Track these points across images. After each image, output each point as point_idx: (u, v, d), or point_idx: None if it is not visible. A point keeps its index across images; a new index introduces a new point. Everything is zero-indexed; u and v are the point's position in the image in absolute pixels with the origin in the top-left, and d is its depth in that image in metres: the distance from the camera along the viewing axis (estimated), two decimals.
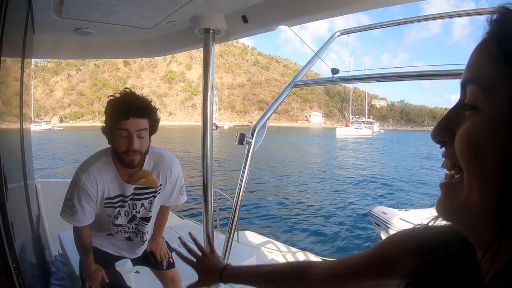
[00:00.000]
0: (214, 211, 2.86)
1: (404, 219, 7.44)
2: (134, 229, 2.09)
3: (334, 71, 2.72)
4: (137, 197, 1.95)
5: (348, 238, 9.19)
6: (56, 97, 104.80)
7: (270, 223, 11.00)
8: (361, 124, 59.20)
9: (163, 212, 2.25)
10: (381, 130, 70.77)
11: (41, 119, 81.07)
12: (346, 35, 3.06)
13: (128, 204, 1.95)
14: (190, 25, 2.67)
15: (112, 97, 1.81)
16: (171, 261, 2.34)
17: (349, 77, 2.82)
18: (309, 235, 9.67)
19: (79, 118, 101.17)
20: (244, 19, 2.52)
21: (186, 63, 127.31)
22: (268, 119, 3.00)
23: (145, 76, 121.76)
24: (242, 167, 2.83)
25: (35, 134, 44.96)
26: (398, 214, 7.69)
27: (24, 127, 2.30)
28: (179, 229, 4.27)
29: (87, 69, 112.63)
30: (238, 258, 3.52)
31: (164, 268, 2.27)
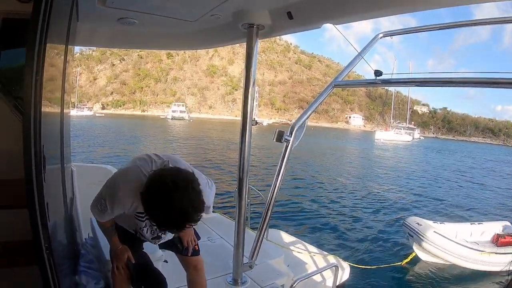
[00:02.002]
0: (246, 206, 2.87)
1: (439, 233, 7.21)
2: (155, 242, 2.19)
3: (377, 73, 2.64)
4: None
5: (379, 246, 8.99)
6: (100, 85, 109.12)
7: (301, 223, 10.91)
8: (401, 129, 57.30)
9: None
10: (422, 137, 68.22)
11: (83, 105, 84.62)
12: (390, 37, 2.99)
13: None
14: (234, 20, 2.68)
15: (158, 186, 1.59)
16: (196, 248, 2.35)
17: (391, 79, 2.74)
18: (339, 239, 9.54)
19: (120, 106, 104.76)
20: (289, 16, 2.50)
21: (229, 58, 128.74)
22: (307, 118, 2.97)
23: (187, 68, 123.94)
24: (278, 165, 2.82)
25: (77, 119, 47.02)
26: (432, 227, 7.48)
27: (64, 112, 2.39)
28: (209, 222, 4.29)
29: (130, 59, 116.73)
30: (266, 256, 3.53)
31: (189, 254, 2.29)
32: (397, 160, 30.91)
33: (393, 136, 53.36)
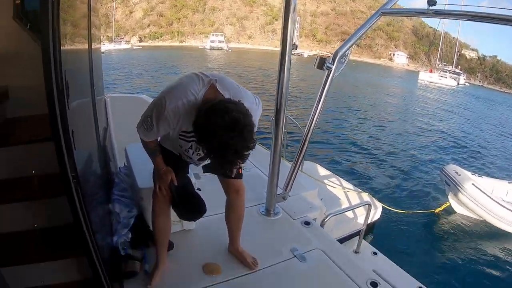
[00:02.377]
0: (283, 137, 2.80)
1: (476, 186, 6.82)
2: (199, 164, 2.11)
3: (431, 2, 2.39)
4: None
5: (413, 190, 8.74)
6: (136, 18, 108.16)
7: (337, 158, 10.77)
8: (446, 72, 53.82)
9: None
10: (467, 84, 63.96)
11: (121, 38, 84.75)
12: None
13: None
14: None
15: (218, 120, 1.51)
16: (240, 171, 2.29)
17: (444, 11, 2.48)
18: (374, 178, 9.38)
19: (158, 38, 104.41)
20: None
21: None
22: (351, 47, 2.77)
23: None
24: (318, 94, 2.70)
25: (115, 53, 47.43)
26: (471, 179, 7.05)
27: (92, 46, 2.33)
28: None
29: None
30: (301, 187, 3.50)
31: (233, 176, 2.18)
32: (439, 104, 29.19)
33: (437, 79, 50.31)
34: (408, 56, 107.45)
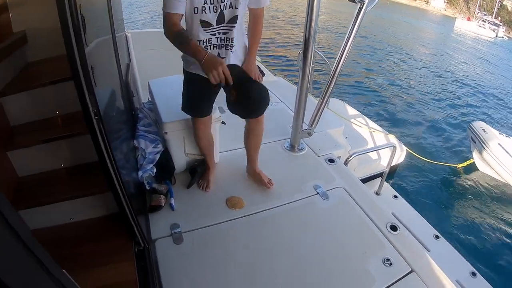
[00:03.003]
0: (310, 71, 2.71)
1: (503, 146, 6.41)
2: (222, 39, 2.00)
3: None
4: None
5: (439, 140, 8.45)
6: None
7: (365, 97, 10.44)
8: (485, 22, 49.26)
9: (254, 23, 2.08)
10: (505, 37, 58.60)
11: None
12: None
13: None
14: None
15: None
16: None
17: None
18: (401, 121, 9.10)
19: None
20: None
21: None
22: None
23: None
24: (349, 28, 2.55)
25: None
26: (498, 138, 6.62)
27: None
28: (271, 86, 4.06)
29: None
30: (326, 125, 3.45)
31: (257, 78, 2.17)
32: (474, 55, 26.97)
33: (475, 28, 46.19)
34: (445, 0, 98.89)
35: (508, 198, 6.42)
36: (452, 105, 11.82)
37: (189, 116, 2.34)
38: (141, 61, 3.67)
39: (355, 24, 2.49)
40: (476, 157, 6.93)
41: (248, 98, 1.97)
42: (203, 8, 1.85)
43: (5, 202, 0.63)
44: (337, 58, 2.66)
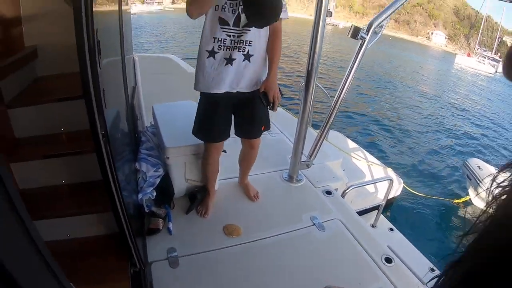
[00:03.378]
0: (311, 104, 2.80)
1: (498, 182, 6.55)
2: (236, 42, 2.09)
3: None
4: None
5: (435, 177, 8.52)
6: None
7: (363, 131, 10.60)
8: (485, 58, 50.83)
9: (272, 37, 2.19)
10: None
11: (153, 0, 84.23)
12: None
13: None
14: None
15: None
16: (263, 128, 2.42)
17: None
18: (397, 156, 9.23)
19: None
20: None
21: None
22: (387, 18, 2.67)
23: None
24: (350, 63, 2.65)
25: (147, 14, 47.16)
26: (493, 174, 6.77)
27: (122, 7, 2.33)
28: (272, 116, 4.25)
29: None
30: (325, 156, 3.50)
31: (275, 110, 2.31)
32: (474, 90, 27.72)
33: (475, 64, 47.57)
34: (446, 37, 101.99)
35: None
36: (450, 139, 12.02)
37: (191, 142, 2.40)
38: (146, 84, 3.75)
39: (356, 60, 2.60)
40: (472, 194, 7.01)
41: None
42: (223, 7, 2.00)
43: (25, 214, 0.66)
44: (337, 92, 2.74)
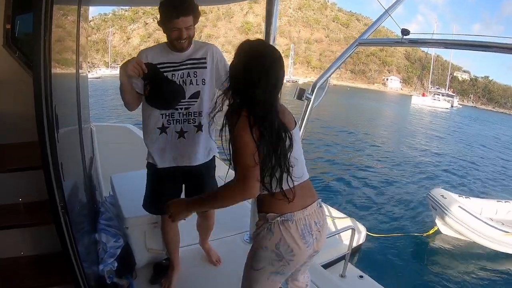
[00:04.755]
0: None
1: (463, 208, 6.90)
2: (184, 114, 2.15)
3: (404, 32, 2.55)
4: (183, 64, 2.11)
5: (400, 215, 8.76)
6: (133, 44, 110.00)
7: (319, 184, 10.71)
8: (439, 95, 54.78)
9: None
10: (459, 105, 64.82)
11: (117, 64, 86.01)
12: None
13: (176, 72, 2.10)
14: None
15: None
16: None
17: (419, 39, 2.61)
18: (358, 204, 9.33)
19: None
20: None
21: (263, 14, 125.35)
22: (329, 77, 2.95)
23: (222, 26, 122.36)
24: (299, 123, 2.82)
25: (111, 78, 47.89)
26: (457, 201, 7.16)
27: (80, 73, 2.44)
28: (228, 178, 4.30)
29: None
30: None
31: None
32: (431, 127, 29.72)
33: (431, 102, 51.07)
34: (401, 81, 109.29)
35: (479, 255, 6.79)
36: (412, 176, 12.61)
37: None
38: (104, 154, 3.80)
39: (303, 119, 2.80)
40: (439, 223, 7.28)
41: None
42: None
43: None
44: None
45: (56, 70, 1.56)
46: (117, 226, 2.61)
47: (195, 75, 2.14)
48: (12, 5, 2.62)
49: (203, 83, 2.16)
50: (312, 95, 2.80)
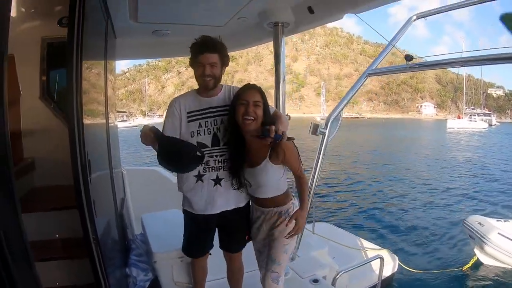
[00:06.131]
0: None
1: (503, 234, 6.39)
2: (219, 161, 2.19)
3: (408, 57, 2.68)
4: (215, 111, 2.19)
5: (438, 248, 8.16)
6: (168, 92, 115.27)
7: (354, 214, 10.54)
8: (475, 115, 52.53)
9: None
10: (497, 123, 61.52)
11: (154, 113, 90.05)
12: (424, 19, 2.97)
13: (208, 119, 2.18)
14: (260, 20, 2.86)
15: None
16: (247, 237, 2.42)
17: (424, 63, 2.72)
18: (395, 236, 8.93)
19: None
20: (310, 10, 2.62)
21: (292, 55, 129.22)
22: (342, 110, 3.07)
23: (252, 69, 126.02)
24: (315, 158, 2.94)
25: None
26: (496, 227, 6.63)
27: (110, 122, 2.72)
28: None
29: None
30: (309, 247, 3.58)
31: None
32: (469, 151, 28.52)
33: (467, 123, 49.02)
34: (435, 106, 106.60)
35: None
36: (449, 204, 11.97)
37: (177, 247, 2.52)
38: (134, 196, 4.05)
39: (320, 153, 2.92)
40: (478, 253, 6.77)
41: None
42: (198, 131, 2.20)
43: None
44: (309, 184, 2.97)
45: (87, 120, 1.79)
46: (146, 261, 2.80)
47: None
48: (46, 61, 3.02)
49: None
50: (326, 129, 2.91)
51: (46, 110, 2.96)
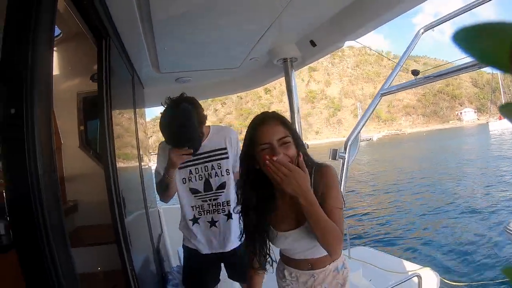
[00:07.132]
0: None
1: None
2: (213, 205, 2.28)
3: (414, 72, 2.77)
4: (206, 157, 2.27)
5: (485, 258, 7.78)
6: None
7: (396, 233, 10.37)
8: None
9: None
10: None
11: None
12: (431, 30, 3.08)
13: (199, 165, 2.26)
14: (269, 58, 3.11)
15: None
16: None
17: (432, 75, 2.78)
18: (433, 250, 8.62)
19: None
20: (312, 44, 2.83)
21: (324, 80, 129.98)
22: (359, 132, 3.17)
23: (287, 99, 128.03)
24: (339, 179, 3.03)
25: None
26: None
27: (143, 165, 2.98)
28: None
29: (231, 101, 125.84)
30: None
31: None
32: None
33: (509, 123, 46.54)
34: (475, 110, 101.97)
35: None
36: (493, 211, 11.47)
37: None
38: (171, 231, 4.29)
39: (341, 177, 3.02)
40: None
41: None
42: (189, 178, 2.30)
43: None
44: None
45: (120, 163, 2.02)
46: None
47: (219, 167, 2.29)
48: (83, 113, 3.43)
49: (227, 173, 2.30)
50: (345, 153, 3.01)
51: (85, 157, 3.34)
